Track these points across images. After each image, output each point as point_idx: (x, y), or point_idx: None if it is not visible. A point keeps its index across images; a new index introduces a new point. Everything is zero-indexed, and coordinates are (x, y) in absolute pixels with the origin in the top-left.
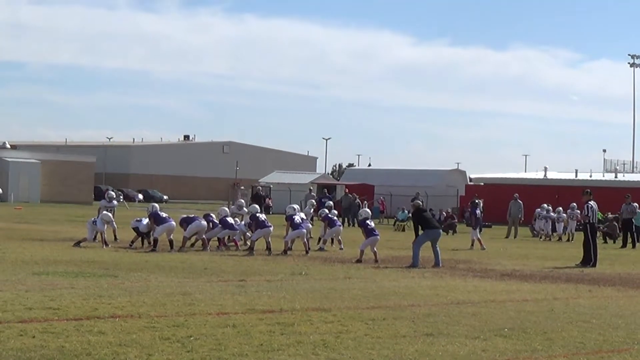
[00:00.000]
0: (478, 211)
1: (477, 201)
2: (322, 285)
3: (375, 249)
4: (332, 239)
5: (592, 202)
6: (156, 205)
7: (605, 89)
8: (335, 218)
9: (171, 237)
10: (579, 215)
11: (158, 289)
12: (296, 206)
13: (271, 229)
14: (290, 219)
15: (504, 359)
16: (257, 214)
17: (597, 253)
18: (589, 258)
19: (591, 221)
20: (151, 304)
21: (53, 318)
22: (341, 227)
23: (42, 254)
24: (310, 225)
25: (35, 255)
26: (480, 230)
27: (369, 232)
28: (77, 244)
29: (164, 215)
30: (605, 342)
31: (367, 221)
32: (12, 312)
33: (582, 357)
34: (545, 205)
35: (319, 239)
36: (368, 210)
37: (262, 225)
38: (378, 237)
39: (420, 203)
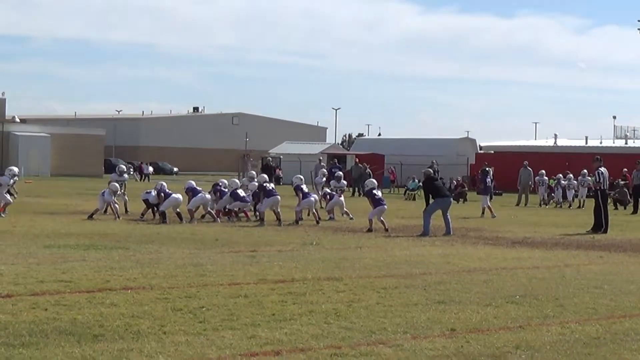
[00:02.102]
0: (488, 179)
1: (487, 169)
2: (334, 254)
3: (382, 218)
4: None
5: (602, 169)
6: (164, 183)
7: (613, 55)
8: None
9: (178, 210)
10: (590, 182)
11: (170, 260)
12: (301, 177)
13: (278, 197)
14: (299, 189)
15: (515, 325)
16: (265, 184)
17: (609, 219)
18: (600, 224)
19: (602, 187)
20: (163, 275)
21: (65, 291)
22: (341, 199)
23: (53, 227)
24: (316, 197)
25: (46, 229)
26: (491, 198)
27: (376, 202)
28: (90, 216)
29: (170, 192)
30: (617, 308)
31: (374, 191)
32: (24, 285)
33: (594, 322)
34: (543, 171)
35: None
36: (374, 180)
37: (269, 194)
38: (385, 206)
39: (431, 172)
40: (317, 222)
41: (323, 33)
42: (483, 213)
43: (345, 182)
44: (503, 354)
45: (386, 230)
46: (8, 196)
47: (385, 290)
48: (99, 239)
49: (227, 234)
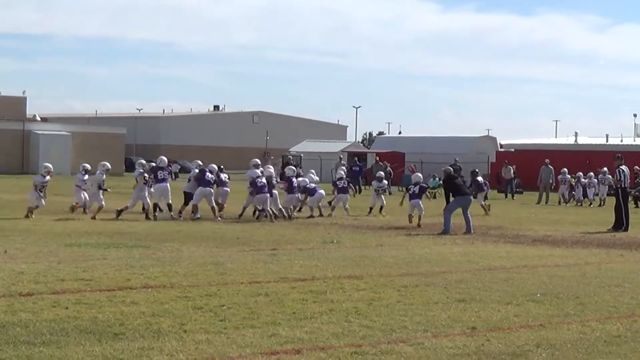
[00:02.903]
0: (479, 178)
1: (476, 170)
2: (354, 253)
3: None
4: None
5: (623, 167)
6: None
7: (632, 53)
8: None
9: (213, 204)
10: (611, 180)
11: (190, 259)
12: (314, 176)
13: (267, 195)
14: (306, 189)
15: (536, 323)
16: (258, 179)
17: (629, 217)
18: (620, 222)
19: (623, 185)
20: (183, 274)
21: (86, 289)
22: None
23: (74, 226)
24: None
25: (67, 227)
26: (486, 198)
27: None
28: (119, 213)
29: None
30: (637, 306)
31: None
32: (45, 284)
33: (615, 321)
34: (565, 169)
35: (370, 208)
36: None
37: (259, 190)
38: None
39: (451, 170)
40: (312, 216)
41: (342, 31)
42: (487, 211)
43: (386, 182)
44: (524, 352)
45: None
46: (43, 200)
47: (406, 289)
48: (120, 238)
49: (248, 232)
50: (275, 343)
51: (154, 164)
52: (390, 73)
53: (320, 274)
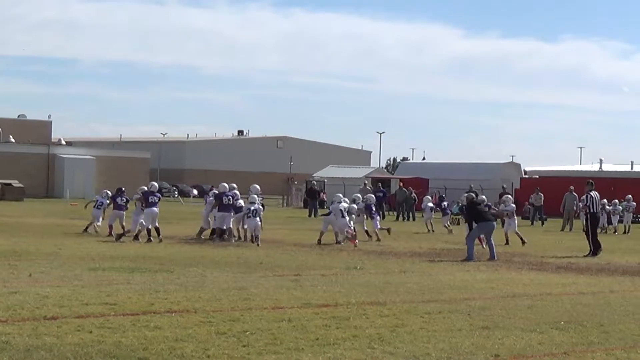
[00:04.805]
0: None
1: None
2: (377, 279)
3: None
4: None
5: (592, 193)
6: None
7: None
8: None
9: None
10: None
11: (214, 284)
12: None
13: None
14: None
15: (560, 351)
16: (224, 197)
17: (597, 242)
18: (590, 248)
19: (592, 210)
20: (207, 299)
21: (110, 313)
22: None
23: (98, 250)
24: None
25: (91, 251)
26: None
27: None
28: (135, 237)
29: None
30: None
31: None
32: (69, 308)
33: None
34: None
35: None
36: (372, 196)
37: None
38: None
39: (474, 196)
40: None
41: (366, 56)
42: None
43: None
44: None
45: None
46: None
47: (429, 315)
48: (143, 262)
49: (271, 258)
50: None
51: (145, 189)
52: (414, 98)
53: (344, 300)
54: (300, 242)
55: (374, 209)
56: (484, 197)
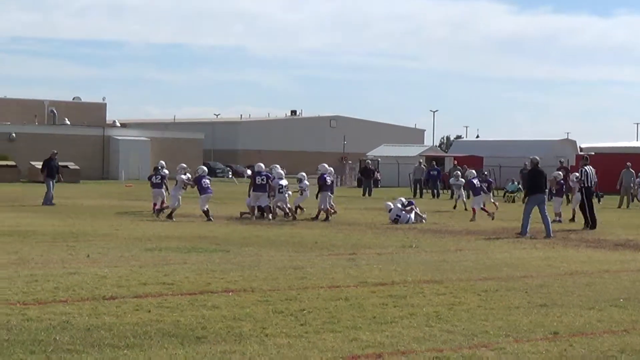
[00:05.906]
0: (476, 180)
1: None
2: (433, 257)
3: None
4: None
5: (587, 167)
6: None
7: None
8: None
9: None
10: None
11: (269, 263)
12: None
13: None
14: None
15: (620, 329)
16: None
17: (595, 215)
18: (587, 221)
19: (587, 185)
20: (263, 278)
21: (167, 293)
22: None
23: (154, 230)
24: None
25: (147, 232)
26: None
27: (476, 191)
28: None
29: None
30: None
31: (474, 180)
32: (127, 288)
33: None
34: None
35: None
36: (473, 171)
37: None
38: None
39: (538, 160)
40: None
41: (412, 35)
42: (476, 216)
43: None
44: (608, 358)
45: (491, 216)
46: (180, 198)
47: (486, 293)
48: (200, 242)
49: (326, 237)
50: (356, 347)
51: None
52: (465, 75)
53: (400, 278)
54: (355, 221)
55: (477, 185)
56: (560, 172)
